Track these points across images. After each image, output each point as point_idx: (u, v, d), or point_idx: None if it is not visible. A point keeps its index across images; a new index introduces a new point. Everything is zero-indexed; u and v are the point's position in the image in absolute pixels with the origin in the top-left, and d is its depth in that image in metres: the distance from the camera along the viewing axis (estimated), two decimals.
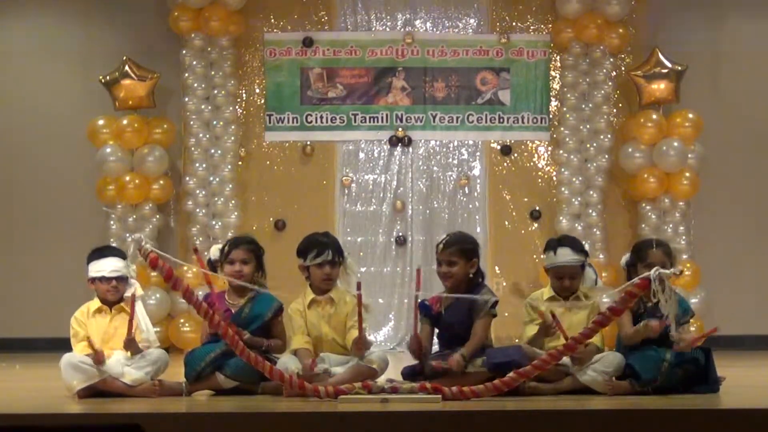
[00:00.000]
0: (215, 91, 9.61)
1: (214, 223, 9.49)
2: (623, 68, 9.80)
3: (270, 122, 9.84)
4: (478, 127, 9.84)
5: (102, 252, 5.74)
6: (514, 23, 9.86)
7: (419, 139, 9.85)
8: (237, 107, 9.74)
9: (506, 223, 9.77)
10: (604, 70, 9.63)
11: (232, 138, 9.61)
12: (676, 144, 9.41)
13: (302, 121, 9.83)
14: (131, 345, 5.47)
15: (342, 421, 4.58)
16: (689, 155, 9.47)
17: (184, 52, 9.60)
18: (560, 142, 9.65)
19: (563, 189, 9.57)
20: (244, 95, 9.84)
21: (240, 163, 9.74)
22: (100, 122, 9.56)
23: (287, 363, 5.41)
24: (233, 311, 5.62)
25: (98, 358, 5.33)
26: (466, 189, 9.82)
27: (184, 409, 5.06)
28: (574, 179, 9.54)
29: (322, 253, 5.60)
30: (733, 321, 9.56)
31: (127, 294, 5.62)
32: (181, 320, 9.25)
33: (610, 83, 9.65)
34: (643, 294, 5.04)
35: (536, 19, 9.87)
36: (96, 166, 9.53)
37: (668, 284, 4.96)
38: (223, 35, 9.60)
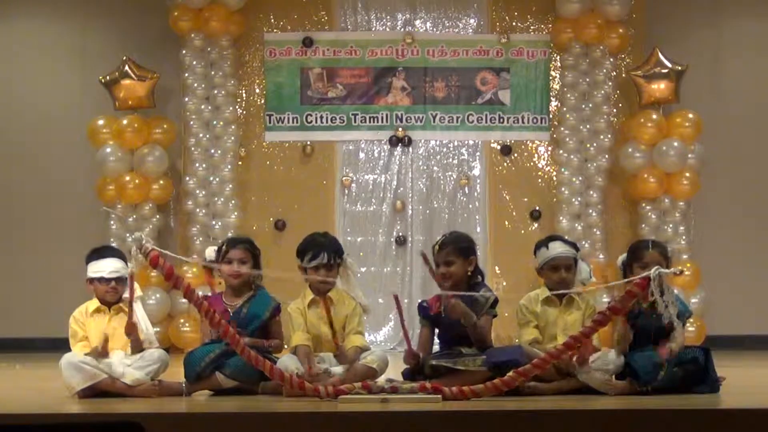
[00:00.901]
0: (215, 91, 9.61)
1: (214, 223, 9.49)
2: (623, 68, 9.80)
3: (270, 122, 9.84)
4: (478, 127, 9.84)
5: (101, 252, 5.74)
6: (514, 23, 9.86)
7: (419, 139, 9.85)
8: (237, 107, 9.74)
9: (506, 223, 9.77)
10: (604, 70, 9.63)
11: (232, 138, 9.61)
12: (676, 144, 9.41)
13: (302, 121, 9.83)
14: (132, 331, 5.43)
15: (342, 421, 4.58)
16: (689, 155, 9.47)
17: (184, 52, 9.60)
18: (560, 142, 9.65)
19: (563, 189, 9.57)
20: (244, 95, 9.85)
21: (240, 163, 9.74)
22: (100, 122, 9.56)
23: (287, 363, 5.41)
24: (231, 312, 5.62)
25: (102, 352, 5.33)
26: (466, 189, 9.82)
27: (184, 409, 5.06)
28: (574, 179, 9.54)
29: (317, 256, 5.60)
30: (733, 321, 9.58)
31: (126, 295, 5.62)
32: (181, 320, 9.25)
33: (610, 83, 9.65)
34: (642, 293, 5.04)
35: (536, 19, 9.87)
36: (96, 166, 9.53)
37: (666, 285, 4.96)
38: (223, 35, 9.60)
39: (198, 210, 9.51)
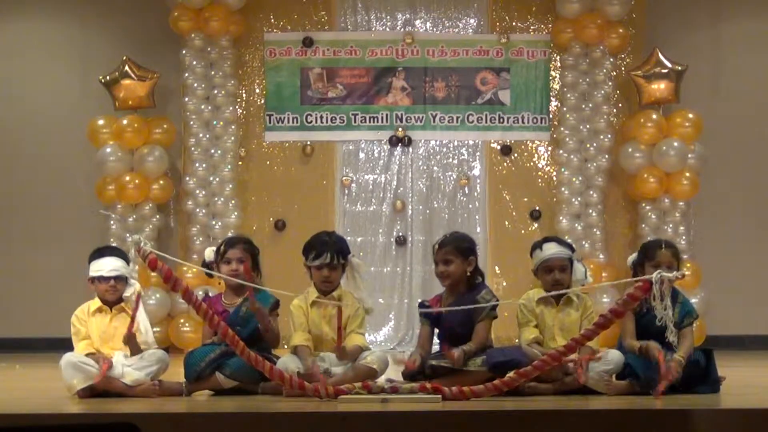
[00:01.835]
0: (215, 91, 9.61)
1: (214, 223, 9.49)
2: (623, 68, 9.80)
3: (270, 122, 9.84)
4: (478, 127, 9.84)
5: (102, 252, 5.75)
6: (514, 23, 9.86)
7: (419, 139, 9.85)
8: (237, 107, 9.74)
9: (506, 223, 9.77)
10: (604, 70, 9.63)
11: (232, 138, 9.61)
12: (676, 144, 9.41)
13: (302, 121, 9.83)
14: (131, 341, 5.46)
15: (342, 421, 4.57)
16: (689, 155, 9.47)
17: (184, 52, 9.60)
18: (560, 142, 9.65)
19: (563, 189, 9.57)
20: (244, 95, 9.85)
21: (240, 163, 9.74)
22: (100, 122, 9.57)
23: (287, 363, 5.41)
24: (230, 311, 5.63)
25: (104, 366, 5.34)
26: (466, 189, 9.82)
27: (184, 409, 5.05)
28: (574, 179, 9.54)
29: (320, 255, 5.60)
30: (733, 321, 9.58)
31: (127, 294, 5.63)
32: (181, 320, 9.25)
33: (610, 83, 9.65)
34: (644, 297, 5.04)
35: (536, 19, 9.87)
36: (96, 166, 9.53)
37: (667, 288, 4.96)
38: (223, 35, 9.60)
39: (198, 210, 9.51)
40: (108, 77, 9.57)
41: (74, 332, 5.60)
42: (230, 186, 9.55)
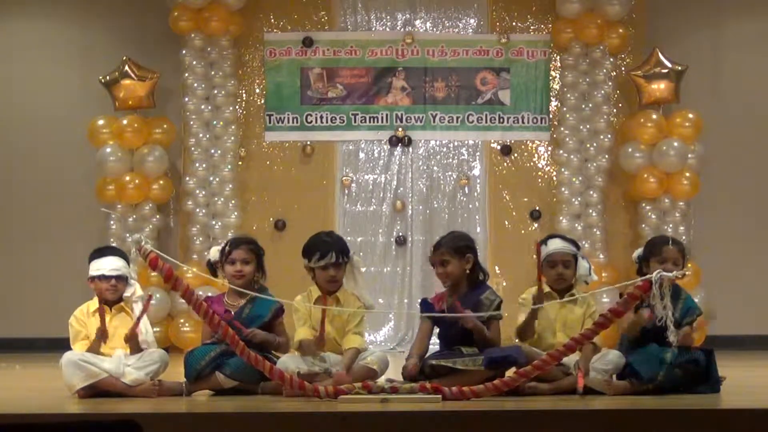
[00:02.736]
0: (215, 91, 9.61)
1: (214, 223, 9.49)
2: (623, 68, 9.80)
3: (270, 122, 9.84)
4: (478, 127, 9.84)
5: (103, 251, 5.76)
6: (514, 23, 9.86)
7: (419, 139, 9.85)
8: (237, 107, 9.74)
9: (506, 223, 9.77)
10: (604, 70, 9.63)
11: (232, 138, 9.61)
12: (676, 144, 9.41)
13: (302, 121, 9.83)
14: (132, 340, 5.46)
15: (342, 421, 4.57)
16: (689, 155, 9.47)
17: (184, 52, 9.60)
18: (560, 142, 9.65)
19: (563, 189, 9.57)
20: (244, 95, 9.85)
21: (240, 163, 9.74)
22: (100, 122, 9.57)
23: (287, 363, 5.41)
24: (233, 312, 5.62)
25: (102, 334, 5.35)
26: (466, 189, 9.82)
27: (184, 409, 5.06)
28: (574, 179, 9.54)
29: (325, 255, 5.60)
30: (733, 321, 9.58)
31: (127, 294, 5.64)
32: (181, 320, 9.25)
33: (610, 83, 9.65)
34: (644, 296, 5.05)
35: (536, 19, 9.87)
36: (96, 166, 9.53)
37: (667, 288, 4.97)
38: (223, 35, 9.60)
39: (198, 210, 9.51)
40: (108, 77, 9.57)
41: (73, 333, 5.60)
42: (230, 186, 9.55)
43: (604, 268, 9.26)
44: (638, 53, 9.78)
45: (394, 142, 9.80)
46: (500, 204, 9.79)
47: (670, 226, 9.45)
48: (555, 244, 5.70)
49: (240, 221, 9.54)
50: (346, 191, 9.82)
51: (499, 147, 9.85)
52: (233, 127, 9.63)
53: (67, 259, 9.18)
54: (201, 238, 9.44)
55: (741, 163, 9.90)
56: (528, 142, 9.87)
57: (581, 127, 9.61)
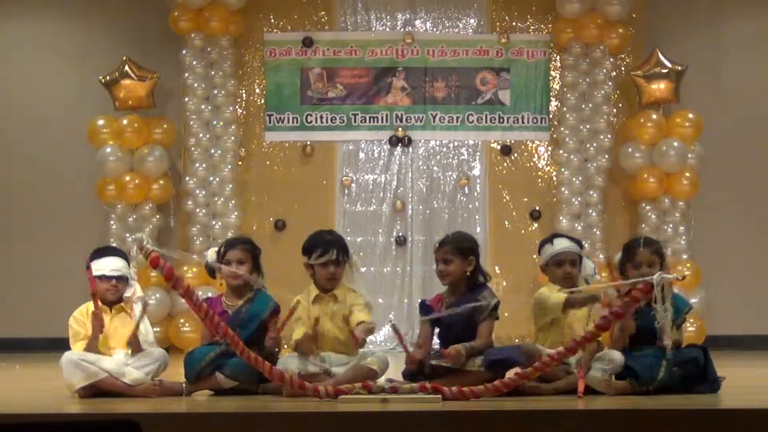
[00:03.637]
0: (215, 91, 9.61)
1: (214, 223, 9.49)
2: (623, 68, 9.80)
3: (270, 122, 9.84)
4: (478, 127, 9.84)
5: (103, 252, 5.76)
6: (514, 23, 9.86)
7: (419, 139, 9.85)
8: (237, 107, 9.74)
9: (506, 223, 9.77)
10: (604, 70, 9.62)
11: (232, 138, 9.61)
12: (676, 144, 9.41)
13: (302, 121, 9.83)
14: (134, 345, 5.47)
15: (342, 421, 4.58)
16: (689, 155, 9.47)
17: (184, 52, 9.60)
18: (560, 142, 9.65)
19: (563, 189, 9.57)
20: (244, 95, 9.85)
21: (240, 163, 9.75)
22: (100, 122, 9.56)
23: (287, 363, 5.41)
24: (230, 312, 5.63)
25: (99, 320, 5.36)
26: (466, 189, 9.82)
27: (184, 409, 5.06)
28: (574, 179, 9.54)
29: (326, 252, 5.61)
30: (733, 321, 9.58)
31: (127, 294, 5.64)
32: (181, 320, 9.25)
33: (610, 83, 9.65)
34: (645, 299, 5.04)
35: (536, 19, 9.86)
36: (96, 166, 9.53)
37: (668, 290, 4.97)
38: (223, 35, 9.60)
39: (198, 210, 9.51)
40: (108, 77, 9.57)
41: (73, 334, 5.59)
42: (230, 186, 9.55)
43: (604, 268, 9.24)
44: (638, 53, 9.78)
45: (394, 142, 9.80)
46: (500, 204, 9.79)
47: (670, 226, 9.45)
48: (562, 243, 5.71)
49: (240, 221, 9.54)
50: (346, 191, 9.82)
51: (499, 147, 9.85)
52: (233, 127, 9.63)
53: (67, 259, 9.17)
54: (201, 238, 9.44)
55: (741, 163, 9.90)
56: (528, 142, 9.87)
57: (581, 127, 9.61)
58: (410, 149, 9.83)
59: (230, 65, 9.66)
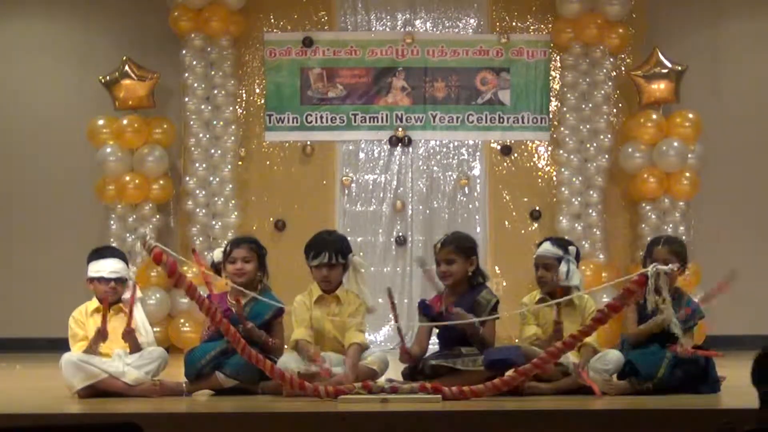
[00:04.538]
0: (215, 91, 9.61)
1: (214, 223, 9.49)
2: (623, 68, 9.80)
3: (270, 122, 9.84)
4: (478, 127, 9.83)
5: (102, 253, 5.76)
6: (514, 23, 9.86)
7: (419, 139, 9.85)
8: (237, 107, 9.74)
9: (506, 223, 9.77)
10: (604, 70, 9.62)
11: (232, 138, 9.61)
12: (676, 144, 9.40)
13: (302, 121, 9.83)
14: (130, 337, 5.47)
15: (342, 421, 4.58)
16: (689, 155, 9.47)
17: (184, 52, 9.60)
18: (560, 142, 9.65)
19: (563, 189, 9.57)
20: (244, 95, 9.84)
21: (240, 163, 9.74)
22: (100, 122, 9.56)
23: (287, 362, 5.41)
24: (234, 311, 5.62)
25: (102, 334, 5.35)
26: (466, 189, 9.82)
27: (184, 409, 5.06)
28: (574, 179, 9.54)
29: (319, 255, 5.63)
30: (733, 321, 9.56)
31: (126, 296, 5.64)
32: (181, 320, 9.24)
33: (610, 83, 9.65)
34: (640, 290, 5.05)
35: (536, 19, 9.86)
36: (96, 166, 9.52)
37: (664, 282, 4.97)
38: (223, 35, 9.60)
39: (198, 210, 9.50)
40: (108, 77, 9.56)
41: (71, 334, 5.60)
42: (230, 186, 9.55)
43: (604, 268, 9.26)
44: (638, 53, 9.77)
45: (394, 142, 9.80)
46: (500, 204, 9.78)
47: (670, 226, 9.45)
48: (541, 248, 5.78)
49: (240, 221, 9.54)
50: (346, 191, 9.81)
51: (499, 147, 9.84)
52: (233, 127, 9.63)
53: (67, 259, 9.16)
54: (201, 238, 9.44)
55: (741, 163, 9.89)
56: (528, 142, 9.86)
57: (581, 127, 9.60)
58: (410, 149, 9.83)
59: (230, 65, 9.65)
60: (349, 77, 9.86)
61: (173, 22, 9.58)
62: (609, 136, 9.60)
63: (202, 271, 5.74)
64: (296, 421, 4.61)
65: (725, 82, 9.96)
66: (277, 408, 4.96)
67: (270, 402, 5.21)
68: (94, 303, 5.66)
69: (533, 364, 5.12)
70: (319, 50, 9.84)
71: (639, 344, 5.45)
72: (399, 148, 9.82)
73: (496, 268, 9.59)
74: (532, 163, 9.84)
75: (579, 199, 9.53)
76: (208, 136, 9.57)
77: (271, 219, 9.75)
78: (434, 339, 5.85)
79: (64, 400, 5.26)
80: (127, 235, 9.31)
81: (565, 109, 9.65)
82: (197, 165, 9.53)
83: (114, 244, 8.52)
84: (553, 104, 9.82)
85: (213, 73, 9.61)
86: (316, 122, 9.81)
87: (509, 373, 5.21)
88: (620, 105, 9.83)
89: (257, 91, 9.86)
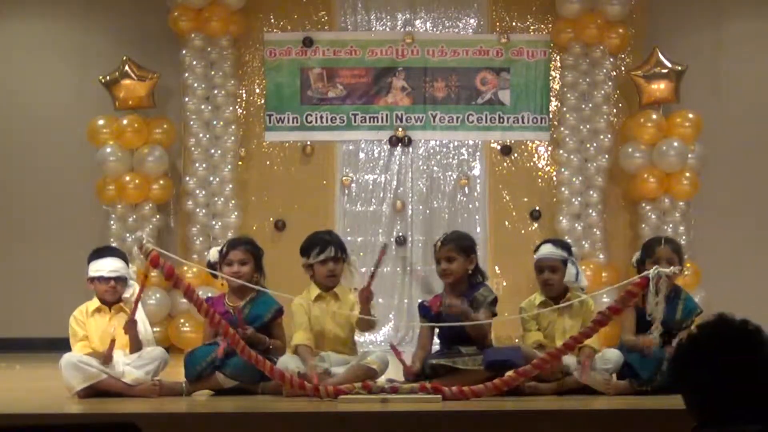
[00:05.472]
0: (215, 91, 9.61)
1: (214, 223, 9.49)
2: (623, 68, 9.80)
3: (270, 122, 9.84)
4: (478, 127, 9.83)
5: (102, 252, 5.77)
6: (514, 23, 9.86)
7: (419, 139, 9.85)
8: (237, 107, 9.74)
9: (506, 223, 9.77)
10: (604, 70, 9.62)
11: (232, 138, 9.61)
12: (676, 144, 9.40)
13: (302, 121, 9.83)
14: (131, 329, 5.46)
15: (342, 421, 4.58)
16: (689, 155, 9.47)
17: (184, 52, 9.60)
18: (560, 142, 9.65)
19: (563, 189, 9.56)
20: (244, 95, 9.84)
21: (240, 163, 9.74)
22: (100, 122, 9.56)
23: (287, 363, 5.41)
24: (232, 313, 5.63)
25: (107, 356, 5.34)
26: (466, 189, 9.82)
27: (184, 409, 5.06)
28: (574, 179, 9.54)
29: (325, 249, 5.64)
30: None
31: (126, 294, 5.64)
32: (181, 320, 9.24)
33: (610, 83, 9.64)
34: (642, 293, 5.05)
35: (536, 19, 9.86)
36: (96, 166, 9.52)
37: (664, 284, 4.97)
38: (223, 35, 9.60)
39: (198, 210, 9.50)
40: (108, 77, 9.56)
41: (72, 334, 5.61)
42: (230, 186, 9.55)
43: (604, 269, 9.26)
44: (638, 53, 9.77)
45: (394, 142, 9.80)
46: (500, 204, 9.78)
47: (670, 226, 9.44)
48: (544, 250, 5.77)
49: (240, 221, 9.54)
50: (346, 191, 9.81)
51: (499, 147, 9.84)
52: (233, 127, 9.63)
53: (67, 259, 9.17)
54: (201, 238, 9.44)
55: (741, 163, 9.89)
56: (528, 142, 9.86)
57: (581, 127, 9.60)
58: (410, 149, 9.83)
59: (230, 65, 9.65)
60: (349, 77, 9.86)
61: (173, 22, 9.58)
62: (609, 136, 9.60)
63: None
64: (296, 421, 4.61)
65: (725, 82, 9.96)
66: (277, 408, 4.96)
67: (270, 402, 5.21)
68: (94, 303, 5.67)
69: (533, 365, 5.12)
70: (319, 50, 9.84)
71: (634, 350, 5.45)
72: (399, 148, 9.82)
73: (496, 268, 9.59)
74: (532, 163, 9.84)
75: (579, 199, 9.53)
76: (208, 136, 9.57)
77: (271, 219, 9.75)
78: (434, 339, 5.84)
79: (64, 400, 5.26)
80: (127, 235, 9.31)
81: (565, 109, 9.65)
82: (197, 165, 9.53)
83: (114, 244, 8.53)
84: (553, 104, 9.82)
85: (213, 73, 9.61)
86: (316, 122, 9.81)
87: (509, 373, 5.21)
88: (620, 105, 9.83)
89: (257, 91, 9.86)
